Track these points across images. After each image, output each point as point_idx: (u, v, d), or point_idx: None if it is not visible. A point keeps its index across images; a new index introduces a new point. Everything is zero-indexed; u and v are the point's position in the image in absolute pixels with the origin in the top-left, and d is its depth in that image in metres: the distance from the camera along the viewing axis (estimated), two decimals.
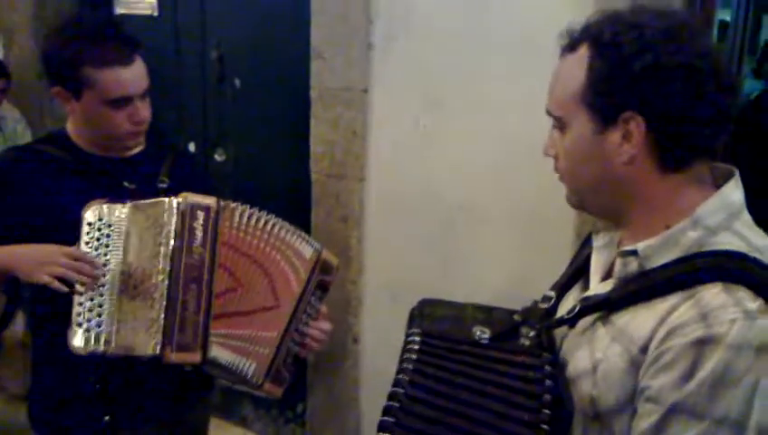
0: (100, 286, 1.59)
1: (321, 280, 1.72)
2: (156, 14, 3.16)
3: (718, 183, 1.06)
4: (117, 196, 1.68)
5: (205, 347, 1.57)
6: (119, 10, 3.23)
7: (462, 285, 2.45)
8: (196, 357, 1.56)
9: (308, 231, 2.20)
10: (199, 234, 1.59)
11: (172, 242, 1.57)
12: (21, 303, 1.90)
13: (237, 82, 3.01)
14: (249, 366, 1.62)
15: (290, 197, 2.80)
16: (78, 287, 1.58)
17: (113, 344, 1.57)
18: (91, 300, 1.59)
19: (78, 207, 1.64)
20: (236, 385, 1.76)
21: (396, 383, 1.09)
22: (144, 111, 1.75)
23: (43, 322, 1.80)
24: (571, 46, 1.08)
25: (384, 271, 2.67)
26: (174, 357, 1.55)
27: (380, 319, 2.71)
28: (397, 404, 1.06)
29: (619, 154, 1.03)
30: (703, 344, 0.91)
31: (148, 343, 1.54)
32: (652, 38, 0.99)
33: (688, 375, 0.92)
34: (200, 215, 1.60)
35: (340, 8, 2.51)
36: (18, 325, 2.30)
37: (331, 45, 2.55)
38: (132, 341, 1.56)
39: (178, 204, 1.59)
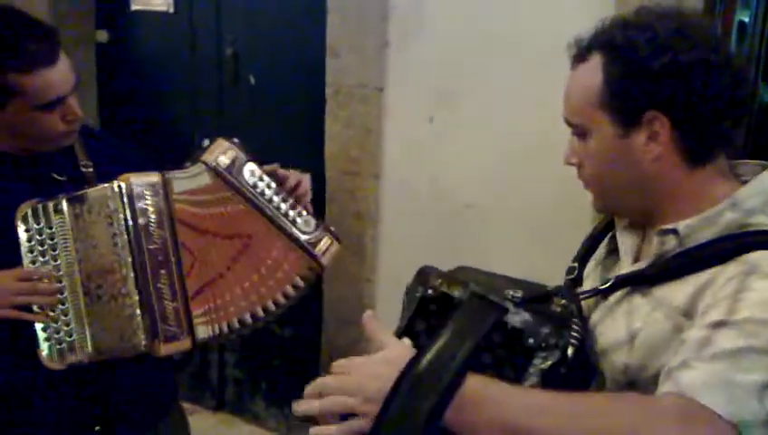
0: (63, 297, 1.51)
1: (230, 168, 1.57)
2: (171, 10, 3.16)
3: (745, 178, 1.09)
4: (48, 191, 1.54)
5: (192, 331, 1.53)
6: (134, 6, 3.24)
7: None
8: (186, 344, 1.53)
9: None
10: (152, 215, 1.51)
11: (128, 231, 1.49)
12: None
13: (252, 79, 3.01)
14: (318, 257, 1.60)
15: None
16: (38, 310, 1.49)
17: (90, 350, 1.51)
18: (52, 312, 1.51)
19: (6, 210, 1.51)
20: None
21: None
22: (76, 107, 1.58)
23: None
24: (581, 56, 1.10)
25: (398, 267, 2.66)
26: (164, 349, 1.51)
27: (394, 315, 2.71)
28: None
29: (645, 154, 1.05)
30: (747, 275, 0.94)
31: (131, 341, 1.51)
32: (666, 37, 1.01)
33: (735, 300, 0.93)
34: (148, 194, 1.51)
35: (356, 6, 2.51)
36: None
37: (347, 43, 2.55)
38: (112, 341, 1.52)
39: (121, 188, 1.49)
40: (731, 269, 0.98)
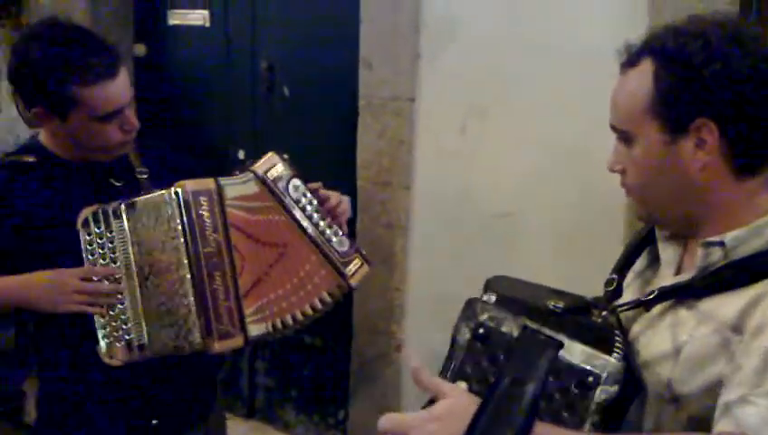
0: (124, 296, 1.59)
1: (275, 179, 1.65)
2: (207, 24, 3.24)
3: None
4: (107, 197, 1.64)
5: (244, 330, 1.60)
6: (171, 21, 3.32)
7: None
8: (239, 341, 1.60)
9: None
10: (207, 220, 1.58)
11: (184, 234, 1.56)
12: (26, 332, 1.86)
13: (286, 90, 3.06)
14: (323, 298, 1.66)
15: None
16: (100, 309, 1.58)
17: (148, 348, 1.59)
18: (112, 311, 1.59)
19: (70, 214, 1.61)
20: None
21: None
22: (133, 117, 1.69)
23: (52, 345, 1.76)
24: (631, 61, 1.09)
25: (428, 278, 2.69)
26: (218, 346, 1.58)
27: (423, 326, 2.73)
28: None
29: (693, 162, 1.05)
30: None
31: (187, 338, 1.57)
32: (718, 46, 1.01)
33: None
34: (203, 200, 1.58)
35: (389, 19, 2.55)
36: None
37: (379, 55, 2.59)
38: (168, 339, 1.58)
39: (178, 194, 1.56)
40: None
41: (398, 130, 2.59)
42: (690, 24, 1.06)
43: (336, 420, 3.17)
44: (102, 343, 1.59)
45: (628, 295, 1.20)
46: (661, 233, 1.20)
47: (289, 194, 1.65)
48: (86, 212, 1.61)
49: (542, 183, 2.40)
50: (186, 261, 1.56)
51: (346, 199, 1.77)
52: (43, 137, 1.74)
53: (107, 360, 1.59)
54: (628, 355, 1.06)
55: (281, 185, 1.65)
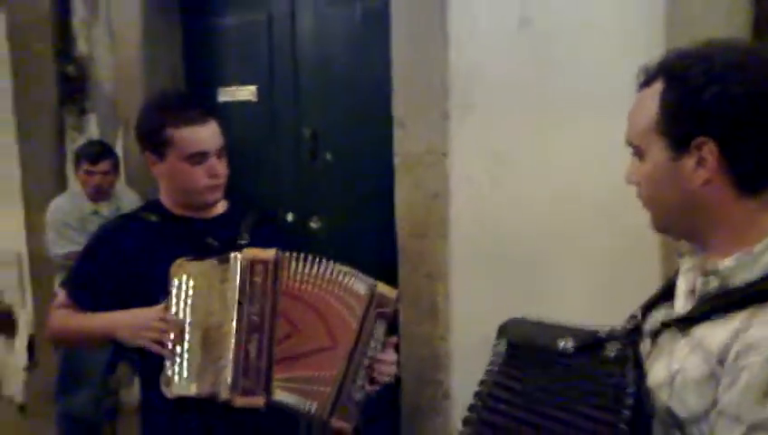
0: (184, 341, 1.75)
1: (380, 313, 1.78)
2: (255, 99, 3.48)
3: None
4: (201, 253, 1.83)
5: (268, 391, 1.71)
6: (222, 98, 3.57)
7: None
8: (260, 401, 1.71)
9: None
10: (259, 286, 1.74)
11: (236, 295, 1.73)
12: (125, 353, 2.08)
13: (329, 156, 3.24)
14: (312, 405, 1.73)
15: (378, 256, 2.97)
16: (165, 350, 1.75)
17: (195, 388, 1.74)
18: (179, 352, 1.76)
19: (167, 265, 1.80)
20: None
21: (476, 394, 1.13)
22: (220, 166, 1.92)
23: (147, 370, 1.95)
24: (646, 81, 1.16)
25: (470, 324, 2.76)
26: (239, 401, 1.70)
27: (470, 372, 2.77)
28: (475, 415, 1.10)
29: (694, 179, 1.08)
30: None
31: (221, 388, 1.71)
32: (722, 69, 1.04)
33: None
34: (259, 268, 1.75)
35: (421, 81, 2.73)
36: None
37: (412, 115, 2.75)
38: (210, 385, 1.73)
39: (239, 259, 1.75)
40: (758, 324, 0.98)
41: (433, 182, 2.72)
42: (701, 47, 1.11)
43: None
44: (165, 375, 1.75)
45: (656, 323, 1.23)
46: (683, 266, 1.23)
47: (374, 325, 1.77)
48: (181, 261, 1.79)
49: (575, 230, 2.49)
50: (234, 319, 1.73)
51: (394, 369, 1.87)
52: (161, 193, 2.01)
53: (163, 388, 1.74)
54: (640, 386, 1.10)
55: (375, 312, 1.77)
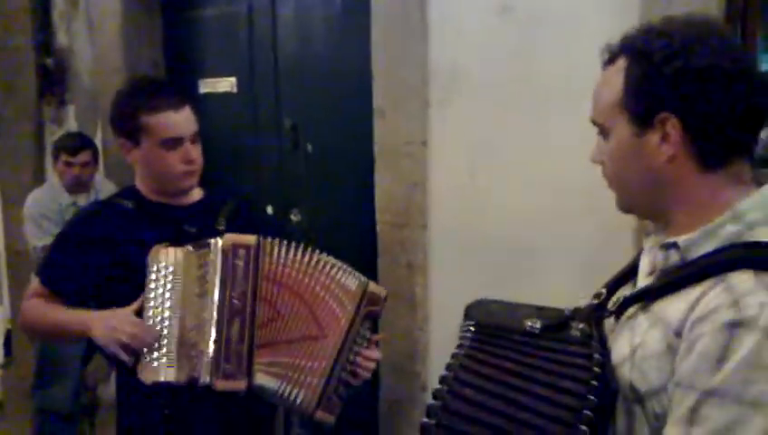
0: (164, 322, 1.74)
1: (369, 311, 1.80)
2: (235, 90, 3.46)
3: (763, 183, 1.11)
4: (179, 240, 1.83)
5: (249, 375, 1.70)
6: (202, 89, 3.55)
7: None
8: (241, 385, 1.70)
9: (375, 279, 2.33)
10: (241, 271, 1.74)
11: (217, 280, 1.73)
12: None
13: (310, 147, 3.23)
14: (298, 394, 1.73)
15: (358, 247, 2.96)
16: (131, 358, 1.73)
17: (175, 375, 1.72)
18: (157, 340, 1.74)
19: (145, 251, 1.81)
20: (293, 413, 1.87)
21: (442, 379, 1.14)
22: (195, 152, 1.94)
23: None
24: (610, 59, 1.17)
25: (450, 316, 2.74)
26: (220, 385, 1.69)
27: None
28: (440, 403, 1.10)
29: (658, 154, 1.09)
30: (734, 328, 0.95)
31: (202, 373, 1.70)
32: (681, 44, 1.05)
33: (721, 360, 0.95)
34: (241, 253, 1.75)
35: (401, 71, 2.72)
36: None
37: (392, 105, 2.75)
38: (190, 371, 1.72)
39: (221, 244, 1.75)
40: (713, 294, 0.99)
41: (412, 172, 2.71)
42: (662, 23, 1.12)
43: None
44: (142, 363, 1.73)
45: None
46: (647, 244, 1.25)
47: (363, 322, 1.79)
48: (159, 247, 1.80)
49: (555, 218, 2.49)
50: (215, 304, 1.72)
51: (377, 358, 1.89)
52: (137, 179, 2.01)
53: (142, 375, 1.72)
54: (605, 365, 1.11)
55: (366, 310, 1.79)
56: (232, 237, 1.77)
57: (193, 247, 1.80)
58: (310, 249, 1.81)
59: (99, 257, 1.89)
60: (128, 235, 1.90)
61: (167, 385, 1.73)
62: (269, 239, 1.79)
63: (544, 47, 2.45)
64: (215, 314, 1.72)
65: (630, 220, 1.27)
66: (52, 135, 3.90)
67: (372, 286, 1.81)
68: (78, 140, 3.58)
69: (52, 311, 1.89)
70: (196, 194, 2.04)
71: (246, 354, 1.71)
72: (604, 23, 2.27)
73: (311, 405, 1.73)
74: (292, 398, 1.73)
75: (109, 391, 3.65)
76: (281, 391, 1.73)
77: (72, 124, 3.90)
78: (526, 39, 2.49)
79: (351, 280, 1.80)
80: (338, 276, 1.79)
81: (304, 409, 1.74)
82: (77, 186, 3.54)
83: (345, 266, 1.81)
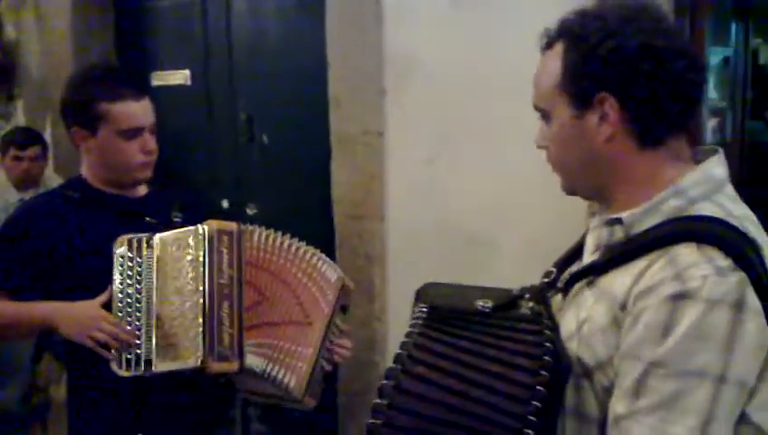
0: (141, 321, 1.71)
1: (343, 303, 1.83)
2: (189, 83, 3.41)
3: (701, 161, 1.13)
4: (141, 230, 1.80)
5: (241, 356, 1.69)
6: (155, 82, 3.49)
7: None
8: (234, 366, 1.68)
9: None
10: (226, 256, 1.72)
11: (204, 265, 1.69)
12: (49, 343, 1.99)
13: (265, 138, 3.20)
14: (287, 378, 1.72)
15: (316, 238, 2.91)
16: (109, 352, 1.70)
17: (155, 365, 1.69)
18: (128, 327, 1.71)
19: (103, 243, 1.77)
20: (282, 403, 1.85)
21: (396, 357, 1.12)
22: (153, 143, 1.90)
23: (76, 358, 1.90)
24: (549, 44, 1.18)
25: (407, 307, 2.74)
26: (216, 367, 1.66)
27: None
28: (393, 383, 1.07)
29: (598, 134, 1.10)
30: (677, 300, 0.97)
31: (190, 357, 1.67)
32: (615, 25, 1.07)
33: (666, 331, 0.96)
34: (225, 238, 1.73)
35: (356, 61, 2.71)
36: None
37: (347, 94, 2.73)
38: (174, 358, 1.69)
39: (205, 230, 1.72)
40: (657, 268, 1.01)
41: (369, 163, 2.70)
42: (596, 6, 1.15)
43: None
44: (113, 353, 1.70)
45: None
46: (592, 223, 1.26)
47: (337, 313, 1.81)
48: (123, 238, 1.77)
49: (512, 207, 2.51)
50: (201, 289, 1.69)
51: (351, 347, 1.90)
52: (84, 169, 1.94)
53: (115, 369, 1.69)
54: (556, 341, 1.11)
55: (340, 302, 1.82)
56: (216, 223, 1.75)
57: (169, 235, 1.77)
58: (288, 236, 1.82)
59: (47, 251, 1.84)
60: (78, 226, 1.86)
61: (151, 375, 1.70)
62: (248, 226, 1.79)
63: (499, 34, 2.46)
64: (205, 298, 1.68)
65: (585, 205, 1.27)
66: (0, 130, 3.80)
67: (346, 279, 1.84)
68: (27, 135, 3.50)
69: (11, 306, 1.84)
70: (142, 187, 2.00)
71: (237, 336, 1.69)
72: (561, 6, 2.29)
73: (301, 391, 1.73)
74: (280, 379, 1.72)
75: (61, 391, 3.57)
76: (269, 371, 1.72)
77: (20, 119, 3.82)
78: (479, 26, 2.50)
79: (331, 271, 1.82)
80: (318, 265, 1.81)
81: (295, 395, 1.73)
82: (26, 181, 3.46)
83: (323, 256, 1.83)
